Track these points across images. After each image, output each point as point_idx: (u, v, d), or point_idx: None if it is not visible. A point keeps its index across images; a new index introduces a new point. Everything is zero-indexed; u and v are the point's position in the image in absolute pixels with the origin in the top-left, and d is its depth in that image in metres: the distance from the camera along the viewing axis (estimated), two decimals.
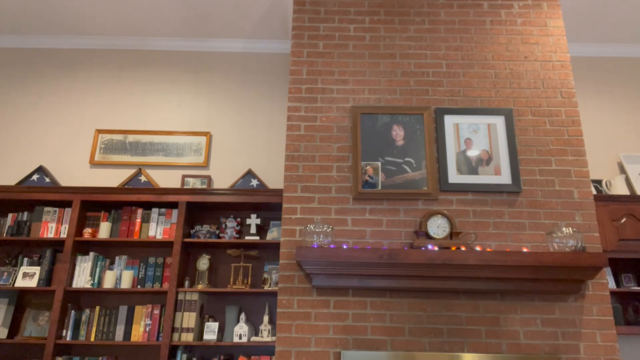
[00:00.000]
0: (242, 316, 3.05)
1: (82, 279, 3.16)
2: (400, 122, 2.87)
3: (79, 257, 3.20)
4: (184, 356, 2.97)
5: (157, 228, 3.26)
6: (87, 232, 3.21)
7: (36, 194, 3.24)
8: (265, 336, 3.01)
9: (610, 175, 3.64)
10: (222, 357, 3.00)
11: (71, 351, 3.17)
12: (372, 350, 2.45)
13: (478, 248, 2.59)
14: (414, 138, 2.83)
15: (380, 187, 2.73)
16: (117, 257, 3.26)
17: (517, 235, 2.67)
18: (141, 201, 3.27)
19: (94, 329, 3.07)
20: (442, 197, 2.75)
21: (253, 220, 3.32)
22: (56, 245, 3.33)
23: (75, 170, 3.66)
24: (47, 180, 3.53)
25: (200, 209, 3.43)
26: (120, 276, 3.20)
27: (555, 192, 2.75)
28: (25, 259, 3.23)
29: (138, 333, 3.06)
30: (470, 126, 2.87)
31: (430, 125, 2.85)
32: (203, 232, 3.27)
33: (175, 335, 3.00)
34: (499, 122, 2.87)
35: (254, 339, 3.00)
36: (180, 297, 3.09)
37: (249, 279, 3.24)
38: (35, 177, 3.53)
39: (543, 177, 2.78)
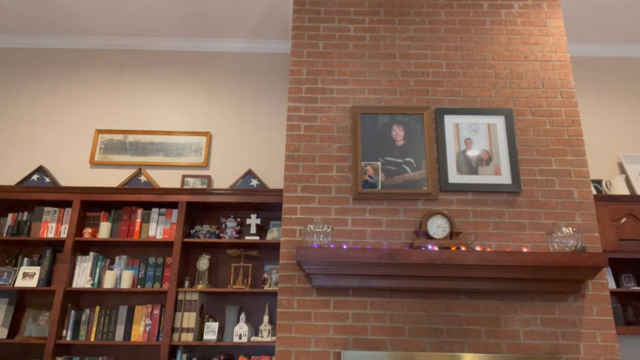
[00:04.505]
0: (242, 316, 3.05)
1: (82, 279, 3.16)
2: (400, 122, 2.87)
3: (79, 257, 3.20)
4: (184, 356, 2.97)
5: (157, 228, 3.26)
6: (87, 232, 3.21)
7: (36, 194, 3.24)
8: (265, 336, 3.01)
9: (610, 175, 3.64)
10: (222, 357, 3.00)
11: (71, 351, 3.17)
12: (372, 350, 2.45)
13: (478, 248, 2.59)
14: (414, 138, 2.83)
15: (380, 187, 2.73)
16: (117, 257, 3.26)
17: (517, 235, 2.67)
18: (141, 201, 3.28)
19: (94, 329, 3.07)
20: (442, 197, 2.75)
21: (253, 220, 3.32)
22: (56, 245, 3.32)
23: (75, 170, 3.66)
24: (47, 180, 3.53)
25: (200, 209, 3.43)
26: (120, 276, 3.20)
27: (555, 192, 2.75)
28: (25, 259, 3.23)
29: (138, 333, 3.06)
30: (470, 126, 2.87)
31: (430, 125, 2.85)
32: (203, 232, 3.27)
33: (175, 335, 3.00)
34: (499, 122, 2.87)
35: (254, 339, 3.00)
36: (180, 297, 3.09)
37: (249, 279, 3.24)
38: (35, 177, 3.53)
39: (543, 177, 2.78)
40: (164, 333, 2.96)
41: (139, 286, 3.18)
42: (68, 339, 3.03)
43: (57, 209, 3.32)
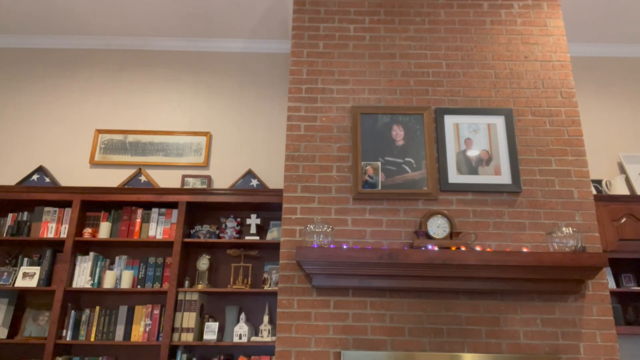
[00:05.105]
0: (242, 316, 3.05)
1: (82, 279, 3.16)
2: (400, 122, 2.87)
3: (79, 257, 3.20)
4: (184, 356, 2.97)
5: (157, 228, 3.26)
6: (87, 232, 3.21)
7: (36, 194, 3.24)
8: (265, 336, 3.01)
9: (610, 175, 3.64)
10: (222, 357, 3.00)
11: (71, 351, 3.17)
12: (372, 350, 2.45)
13: (478, 248, 2.59)
14: (414, 138, 2.83)
15: (380, 187, 2.73)
16: (117, 257, 3.26)
17: (517, 235, 2.67)
18: (141, 201, 3.27)
19: (94, 329, 3.07)
20: (442, 197, 2.75)
21: (253, 220, 3.32)
22: (56, 245, 3.33)
23: (75, 170, 3.66)
24: (47, 180, 3.53)
25: (200, 209, 3.43)
26: (120, 276, 3.20)
27: (555, 192, 2.75)
28: (25, 259, 3.23)
29: (138, 333, 3.06)
30: (470, 126, 2.87)
31: (430, 125, 2.85)
32: (203, 232, 3.27)
33: (175, 335, 3.00)
34: (499, 122, 2.87)
35: (254, 339, 3.01)
36: (180, 297, 3.09)
37: (249, 279, 3.24)
38: (35, 177, 3.53)
39: (543, 177, 2.78)
40: (164, 333, 2.96)
41: (139, 286, 3.18)
42: (68, 339, 3.03)
43: (57, 209, 3.32)
